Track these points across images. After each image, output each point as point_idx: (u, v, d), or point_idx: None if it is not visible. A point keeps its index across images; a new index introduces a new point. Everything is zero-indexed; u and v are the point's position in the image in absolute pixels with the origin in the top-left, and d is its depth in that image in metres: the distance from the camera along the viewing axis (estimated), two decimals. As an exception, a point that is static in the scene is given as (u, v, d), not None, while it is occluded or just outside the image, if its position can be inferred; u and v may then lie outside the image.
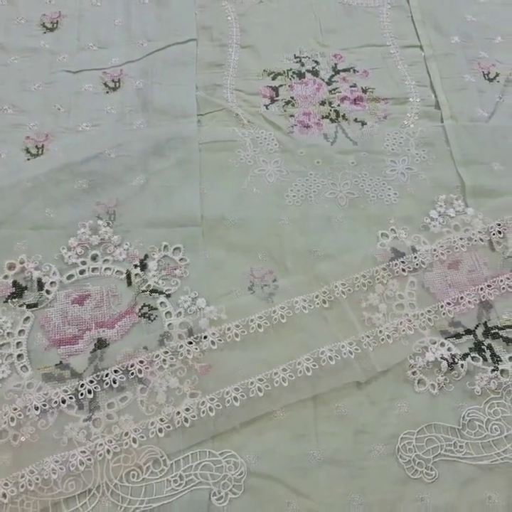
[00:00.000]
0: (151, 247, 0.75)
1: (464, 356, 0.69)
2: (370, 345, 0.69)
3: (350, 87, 0.92)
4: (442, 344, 0.70)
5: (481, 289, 0.74)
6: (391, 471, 0.63)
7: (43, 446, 0.62)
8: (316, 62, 0.94)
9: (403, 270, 0.74)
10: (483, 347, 0.70)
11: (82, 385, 0.65)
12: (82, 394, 0.64)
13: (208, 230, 0.77)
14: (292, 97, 0.90)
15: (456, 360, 0.68)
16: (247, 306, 0.71)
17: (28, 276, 0.72)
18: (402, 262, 0.75)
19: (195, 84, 0.90)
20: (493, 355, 0.69)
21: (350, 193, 0.81)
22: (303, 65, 0.94)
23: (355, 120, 0.88)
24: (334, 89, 0.91)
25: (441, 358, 0.68)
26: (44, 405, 0.64)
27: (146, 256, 0.74)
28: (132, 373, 0.66)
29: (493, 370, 0.68)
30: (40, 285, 0.71)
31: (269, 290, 0.72)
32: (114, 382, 0.65)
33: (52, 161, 0.81)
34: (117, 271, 0.73)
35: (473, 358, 0.69)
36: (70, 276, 0.72)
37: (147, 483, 0.61)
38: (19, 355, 0.67)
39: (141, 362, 0.66)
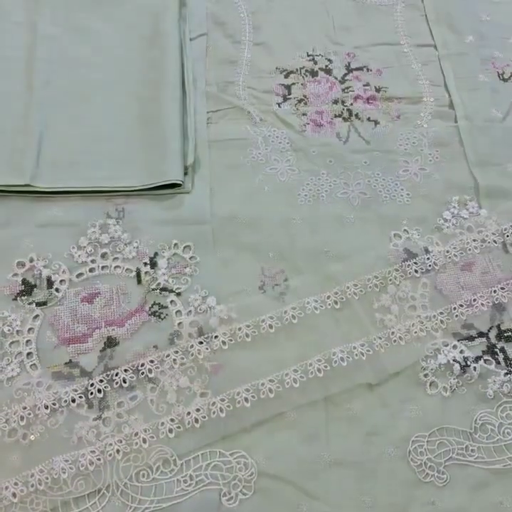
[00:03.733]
0: (160, 245, 0.74)
1: (477, 359, 0.68)
2: (381, 347, 0.68)
3: (364, 85, 0.91)
4: (455, 346, 0.69)
5: (494, 291, 0.73)
6: (402, 474, 0.63)
7: (52, 445, 0.62)
8: (329, 60, 0.93)
9: (416, 271, 0.73)
10: (496, 350, 0.69)
11: (91, 384, 0.64)
12: (91, 393, 0.64)
13: (219, 229, 0.76)
14: (305, 95, 0.89)
15: (468, 362, 0.68)
16: (257, 306, 0.70)
17: (38, 274, 0.71)
18: (415, 263, 0.74)
19: (205, 80, 0.89)
20: (506, 358, 0.69)
21: (363, 193, 0.81)
22: (316, 63, 0.93)
23: (368, 119, 0.87)
24: (347, 88, 0.90)
25: (454, 360, 0.68)
26: (54, 404, 0.63)
27: (155, 254, 0.74)
28: (142, 372, 0.65)
29: (506, 374, 0.68)
30: (50, 283, 0.71)
31: (280, 289, 0.72)
32: (124, 381, 0.65)
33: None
34: (127, 269, 0.73)
35: (486, 360, 0.68)
36: (79, 275, 0.72)
37: (157, 483, 0.61)
38: (28, 354, 0.67)
39: (152, 361, 0.66)
